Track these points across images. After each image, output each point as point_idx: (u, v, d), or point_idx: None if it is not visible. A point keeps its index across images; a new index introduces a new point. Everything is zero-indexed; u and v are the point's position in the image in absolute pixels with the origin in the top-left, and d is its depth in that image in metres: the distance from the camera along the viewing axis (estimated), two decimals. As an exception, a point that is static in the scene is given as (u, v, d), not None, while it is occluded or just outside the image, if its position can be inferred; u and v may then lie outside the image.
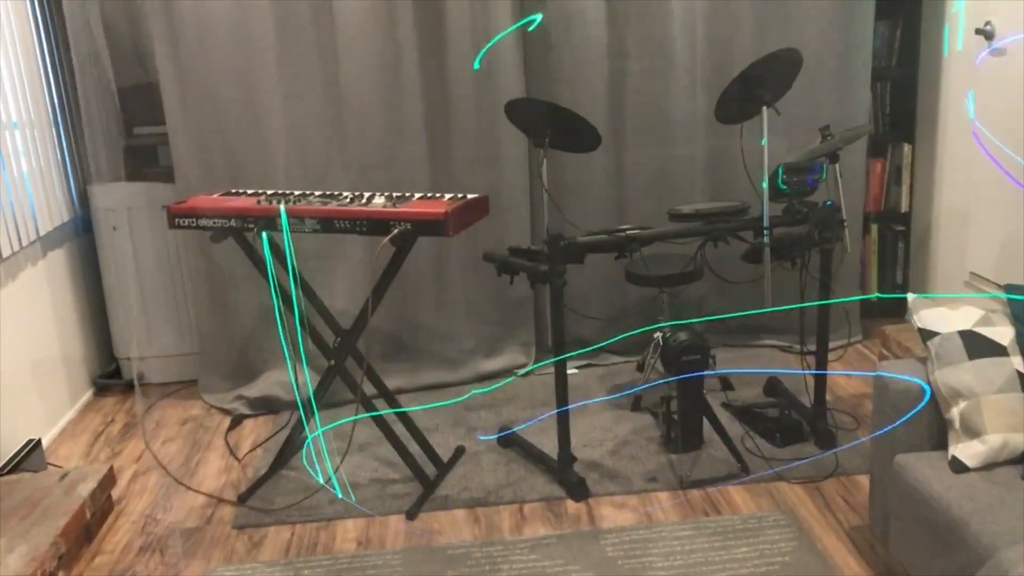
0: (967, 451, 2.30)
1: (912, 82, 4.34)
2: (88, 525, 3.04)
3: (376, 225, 2.87)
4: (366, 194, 3.09)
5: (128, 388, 4.35)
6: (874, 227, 4.53)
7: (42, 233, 3.84)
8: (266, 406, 3.97)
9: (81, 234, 4.28)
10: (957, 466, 2.30)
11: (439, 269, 4.10)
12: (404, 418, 3.39)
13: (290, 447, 3.44)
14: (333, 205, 2.97)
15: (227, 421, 3.95)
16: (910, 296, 2.63)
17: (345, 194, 3.13)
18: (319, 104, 3.88)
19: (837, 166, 3.37)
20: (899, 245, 4.53)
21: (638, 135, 4.11)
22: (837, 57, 4.06)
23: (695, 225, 3.16)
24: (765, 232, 3.14)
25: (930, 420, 2.45)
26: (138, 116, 4.41)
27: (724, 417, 3.59)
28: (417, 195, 3.09)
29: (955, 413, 2.35)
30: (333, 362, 3.20)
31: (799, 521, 2.92)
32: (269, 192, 3.29)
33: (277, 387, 3.99)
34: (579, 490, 3.14)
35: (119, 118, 4.61)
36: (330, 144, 3.93)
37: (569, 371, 4.21)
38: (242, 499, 3.26)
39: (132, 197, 4.15)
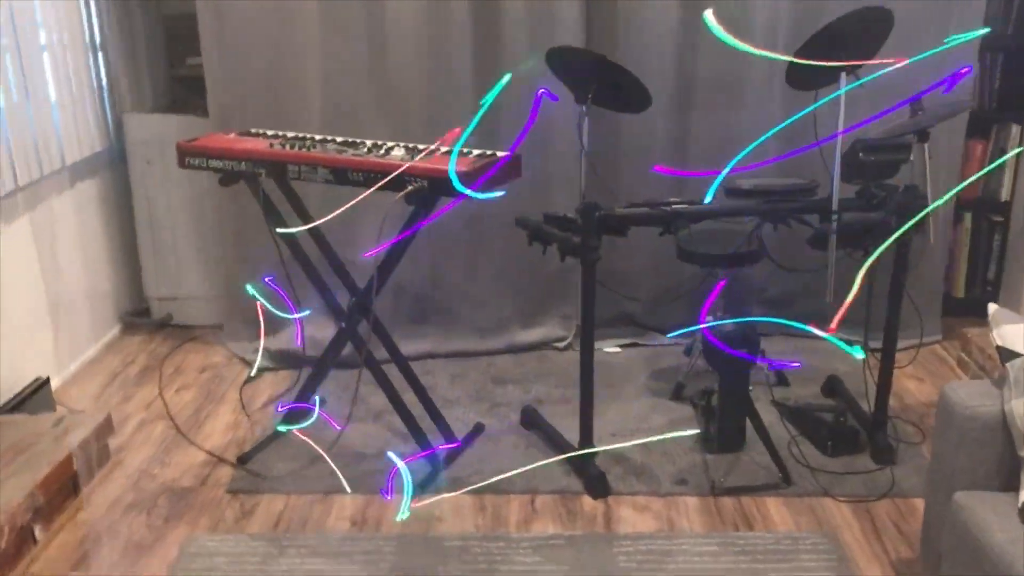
0: (1041, 499, 1.93)
1: (1028, 54, 3.84)
2: (76, 476, 2.88)
3: (391, 179, 2.59)
4: (386, 144, 2.80)
5: (155, 328, 4.21)
6: (967, 216, 4.07)
7: (69, 162, 3.67)
8: (287, 361, 3.77)
9: (116, 166, 4.11)
10: (1028, 516, 1.93)
11: (478, 229, 3.81)
12: (419, 390, 3.14)
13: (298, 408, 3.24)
14: (349, 154, 2.71)
15: (246, 372, 3.77)
16: (992, 307, 2.25)
17: (366, 143, 2.86)
18: (361, 46, 3.60)
19: (927, 145, 2.94)
20: (995, 238, 4.07)
21: (707, 97, 3.73)
22: (941, 21, 3.59)
23: (751, 203, 2.80)
24: (833, 216, 2.76)
25: (1001, 455, 2.09)
26: (192, 47, 4.17)
27: (772, 417, 3.24)
28: (443, 149, 2.80)
29: (1032, 452, 1.98)
30: (344, 324, 2.96)
31: (841, 547, 2.58)
32: (289, 135, 3.04)
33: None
34: (599, 486, 2.86)
35: (166, 47, 4.43)
36: (369, 89, 3.65)
37: (611, 349, 3.91)
38: (241, 461, 3.07)
39: (167, 130, 3.94)
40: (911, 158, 2.91)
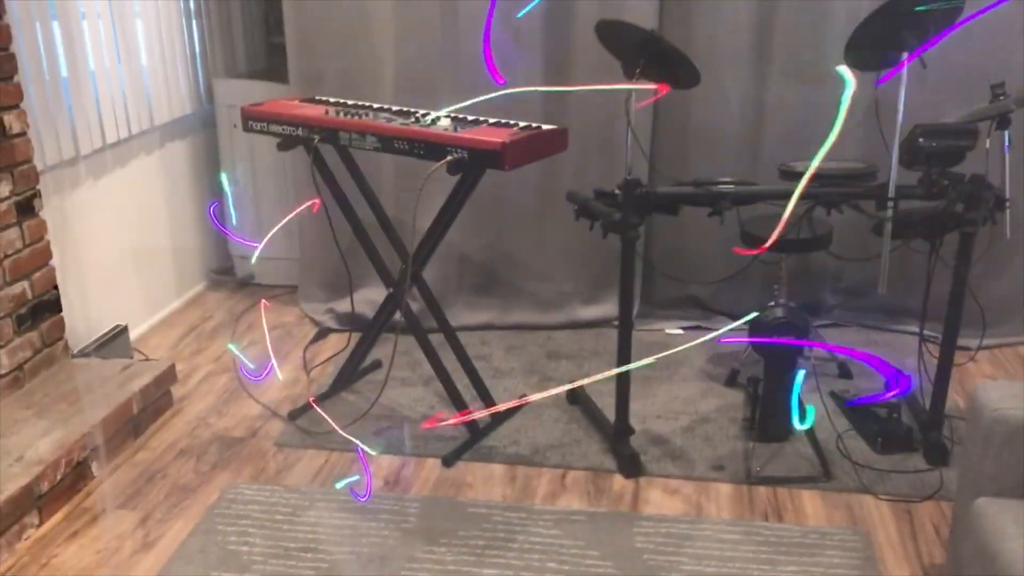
0: (1062, 511, 1.82)
1: None
2: (137, 419, 3.05)
3: (433, 149, 2.63)
4: (433, 113, 2.84)
5: (238, 286, 4.39)
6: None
7: (158, 123, 3.86)
8: (353, 323, 3.86)
9: (207, 128, 4.29)
10: (1045, 528, 1.83)
11: (543, 202, 3.81)
12: (464, 360, 3.18)
13: (351, 368, 3.33)
14: (398, 123, 2.75)
15: (314, 332, 3.90)
16: (1035, 305, 2.11)
17: (419, 112, 2.90)
18: (433, 15, 3.63)
19: (1007, 133, 2.77)
20: (1098, 235, 3.79)
21: (785, 74, 3.61)
22: None
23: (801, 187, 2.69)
24: (889, 204, 2.64)
25: (1031, 462, 1.97)
26: None
27: (828, 408, 3.14)
28: (491, 120, 2.81)
29: (1058, 460, 1.87)
30: (392, 289, 3.03)
31: (871, 546, 2.49)
32: (349, 103, 3.11)
33: (367, 306, 3.87)
34: (631, 466, 2.84)
35: (266, 14, 4.58)
36: (441, 60, 3.68)
37: (673, 331, 3.86)
38: (292, 416, 3.19)
39: (252, 95, 4.06)
40: (986, 145, 2.76)
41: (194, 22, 4.14)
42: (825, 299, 3.90)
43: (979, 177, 2.65)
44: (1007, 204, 2.78)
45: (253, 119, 2.99)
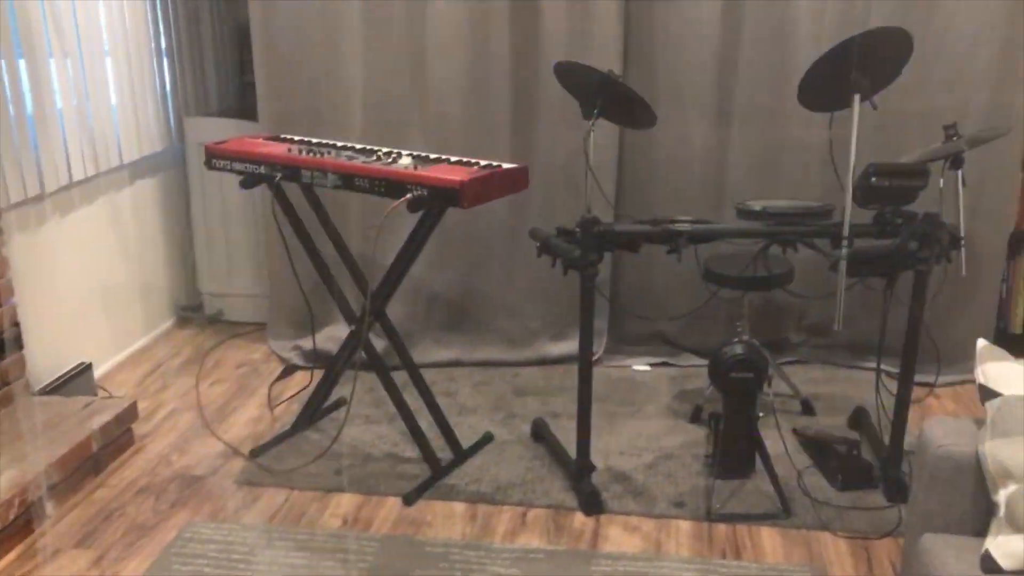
0: (1005, 547, 1.83)
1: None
2: (96, 457, 3.03)
3: (393, 187, 2.65)
4: (395, 152, 2.87)
5: (207, 323, 4.39)
6: (1028, 248, 3.87)
7: (127, 160, 3.87)
8: (317, 360, 3.86)
9: (176, 166, 4.31)
10: (988, 564, 1.84)
11: (511, 238, 3.83)
12: (428, 397, 3.18)
13: (314, 407, 3.33)
14: (359, 161, 2.78)
15: (280, 369, 3.89)
16: (980, 342, 2.14)
17: (381, 150, 2.93)
18: (403, 59, 3.68)
19: (960, 172, 2.82)
20: (1057, 272, 3.85)
21: (747, 113, 3.66)
22: (998, 43, 3.43)
23: (758, 226, 2.74)
24: (844, 243, 2.67)
25: (976, 498, 1.98)
26: None
27: (790, 445, 3.16)
28: (452, 159, 2.84)
29: (1002, 497, 1.88)
30: (354, 327, 3.03)
31: (828, 583, 2.50)
32: (313, 141, 3.14)
33: (332, 343, 3.87)
34: (591, 503, 2.83)
35: (240, 54, 4.62)
36: (409, 100, 3.72)
37: (639, 367, 3.88)
38: (254, 454, 3.17)
39: (223, 133, 4.08)
40: (940, 184, 2.81)
41: (165, 60, 4.17)
42: (789, 336, 3.93)
43: (933, 215, 2.69)
44: (962, 242, 2.83)
45: (216, 157, 3.01)
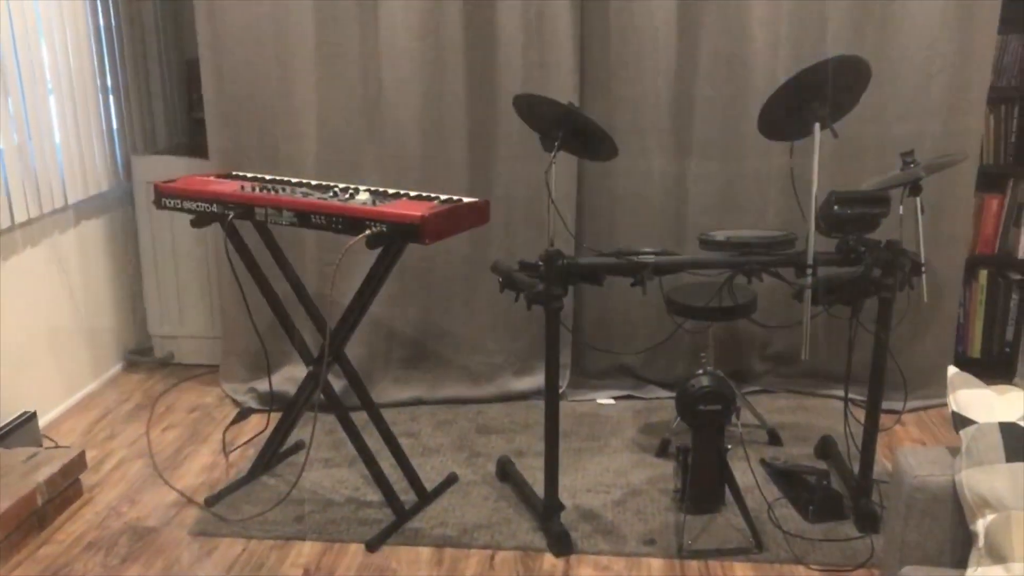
0: (987, 579, 1.80)
1: (1044, 106, 3.70)
2: (41, 512, 2.89)
3: (351, 223, 2.58)
4: (352, 187, 2.80)
5: (157, 366, 4.25)
6: (983, 273, 3.90)
7: (72, 201, 3.75)
8: (274, 402, 3.75)
9: (124, 206, 4.19)
10: (970, 597, 1.80)
11: (472, 272, 3.78)
12: (389, 438, 3.09)
13: (271, 451, 3.22)
14: (315, 198, 2.71)
15: (235, 413, 3.77)
16: (952, 370, 2.12)
17: (338, 186, 2.86)
18: (356, 90, 3.62)
19: (919, 199, 2.84)
20: (1012, 296, 3.89)
21: (705, 145, 3.66)
22: (949, 72, 3.47)
23: (722, 256, 2.71)
24: (809, 271, 2.66)
25: (955, 528, 1.95)
26: None
27: (759, 477, 3.12)
28: (411, 194, 2.79)
29: (980, 527, 1.85)
30: (312, 368, 2.94)
31: (805, 619, 2.44)
32: (267, 178, 3.07)
33: (290, 384, 3.76)
34: (561, 544, 2.76)
35: (188, 90, 4.53)
36: (364, 134, 3.66)
37: (604, 400, 3.83)
38: (209, 503, 3.05)
39: (172, 171, 3.98)
40: (900, 211, 2.81)
41: (111, 98, 4.06)
42: (753, 366, 3.91)
43: (894, 243, 2.69)
44: (923, 268, 2.83)
45: (166, 196, 2.91)
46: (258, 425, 3.65)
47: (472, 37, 3.54)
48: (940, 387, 3.71)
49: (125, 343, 4.27)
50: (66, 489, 3.02)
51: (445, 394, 3.83)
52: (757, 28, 3.48)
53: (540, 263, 2.66)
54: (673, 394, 3.74)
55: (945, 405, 3.70)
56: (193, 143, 4.41)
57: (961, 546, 1.94)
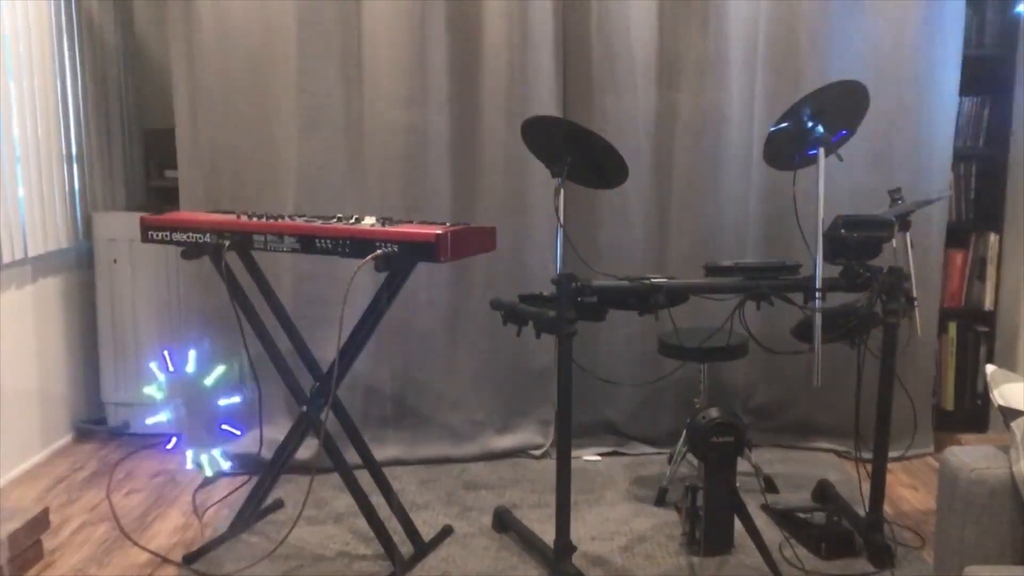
0: (1061, 565, 1.75)
1: (1001, 164, 3.86)
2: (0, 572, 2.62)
3: (360, 246, 2.49)
4: (356, 216, 2.73)
5: (111, 436, 3.98)
6: (952, 325, 3.98)
7: (31, 254, 3.56)
8: (247, 464, 3.54)
9: (82, 267, 4.00)
10: (1046, 585, 1.74)
11: (452, 325, 3.69)
12: (386, 490, 2.93)
13: (253, 506, 3.01)
14: (318, 223, 2.62)
15: (201, 477, 3.53)
16: (989, 367, 2.12)
17: (336, 216, 2.78)
18: (337, 138, 3.58)
19: (908, 235, 2.90)
20: (980, 348, 3.97)
21: (684, 189, 3.69)
22: (915, 128, 3.62)
23: (733, 280, 2.70)
24: (816, 296, 2.66)
25: (1014, 524, 1.91)
26: (169, 160, 4.11)
27: (761, 521, 3.03)
28: (417, 220, 2.72)
29: (1046, 515, 1.81)
30: (305, 408, 2.79)
31: (841, 649, 2.34)
32: (259, 213, 2.96)
33: (266, 445, 3.56)
34: (576, 587, 2.62)
35: (144, 160, 4.43)
36: (346, 181, 3.60)
37: (590, 457, 3.72)
38: (187, 560, 2.81)
39: (134, 228, 3.85)
40: (893, 244, 2.86)
41: (75, 163, 3.92)
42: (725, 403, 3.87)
43: (896, 268, 2.72)
44: (915, 303, 2.88)
45: (153, 228, 2.79)
46: (228, 487, 3.42)
47: (455, 75, 3.55)
48: (922, 436, 3.76)
49: (76, 411, 4.00)
50: (27, 549, 2.76)
51: (425, 453, 3.67)
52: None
53: (546, 294, 2.61)
54: (659, 450, 3.72)
55: (926, 455, 3.75)
56: (152, 210, 4.28)
57: (1022, 543, 1.90)
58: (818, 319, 2.67)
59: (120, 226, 3.91)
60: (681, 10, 3.55)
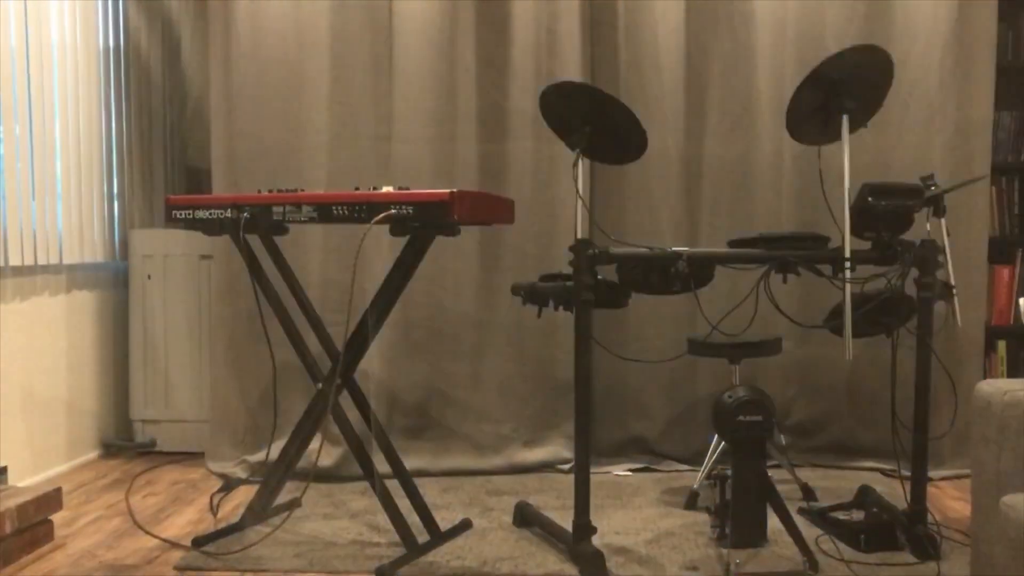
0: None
1: (1046, 175, 3.77)
2: (7, 546, 2.57)
3: (375, 210, 2.48)
4: (373, 186, 2.73)
5: (138, 454, 3.95)
6: (1001, 344, 3.82)
7: (67, 262, 3.62)
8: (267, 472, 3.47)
9: (118, 286, 4.05)
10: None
11: (479, 332, 3.63)
12: (405, 483, 2.85)
13: (266, 496, 2.94)
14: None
15: (221, 483, 3.47)
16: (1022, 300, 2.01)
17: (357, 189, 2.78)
18: (367, 148, 3.63)
19: (943, 221, 2.81)
20: (1033, 368, 3.80)
21: (715, 179, 3.66)
22: (950, 136, 3.56)
23: (757, 251, 2.63)
24: (846, 264, 2.57)
25: (1054, 450, 1.77)
26: None
27: (800, 521, 2.87)
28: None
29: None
30: (321, 385, 2.74)
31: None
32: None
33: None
34: (595, 566, 2.48)
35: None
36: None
37: (621, 472, 3.58)
38: (197, 543, 2.74)
39: (172, 244, 3.94)
40: (927, 230, 2.77)
41: (115, 179, 4.03)
42: (775, 439, 3.71)
43: (929, 241, 2.63)
44: (954, 290, 2.76)
45: (177, 208, 2.81)
46: (248, 494, 3.35)
47: (484, 90, 3.60)
48: (964, 458, 3.54)
49: (103, 428, 3.99)
50: (36, 525, 2.71)
51: (449, 465, 3.57)
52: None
53: (560, 272, 2.57)
54: (692, 468, 3.57)
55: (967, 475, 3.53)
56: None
57: (1063, 468, 1.76)
58: (847, 290, 2.57)
59: (156, 241, 3.97)
60: (707, 12, 3.59)
